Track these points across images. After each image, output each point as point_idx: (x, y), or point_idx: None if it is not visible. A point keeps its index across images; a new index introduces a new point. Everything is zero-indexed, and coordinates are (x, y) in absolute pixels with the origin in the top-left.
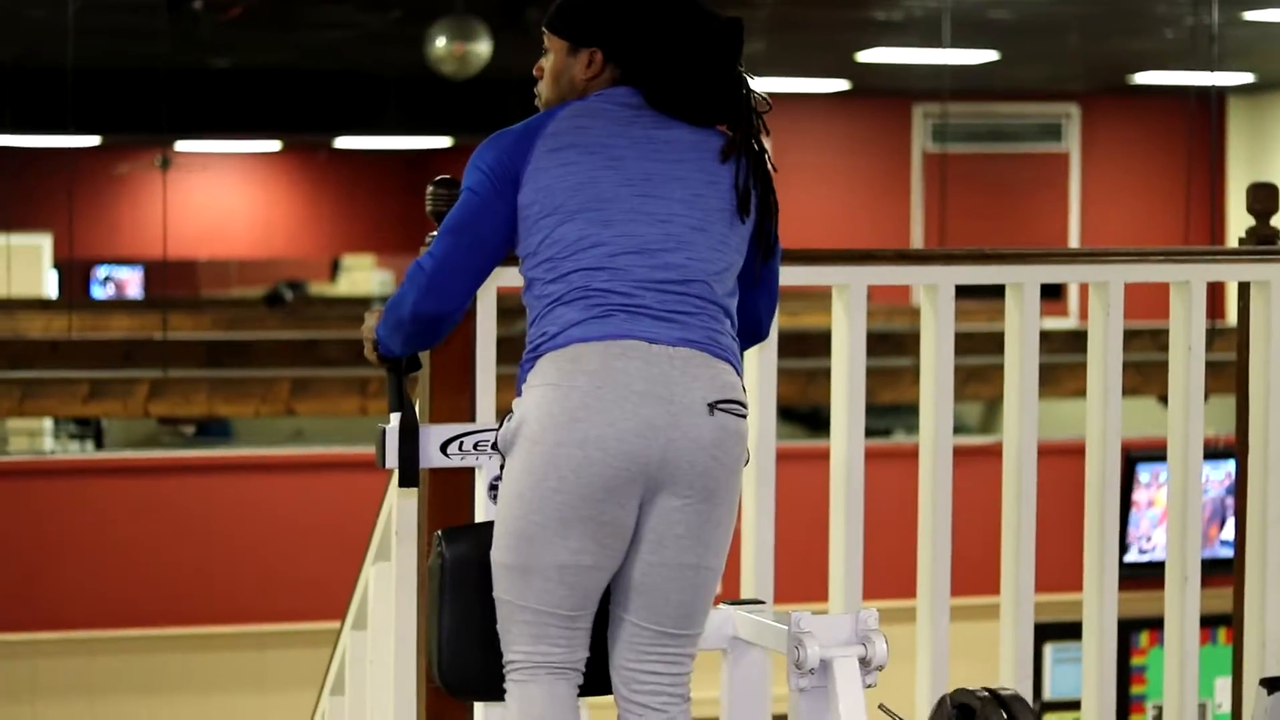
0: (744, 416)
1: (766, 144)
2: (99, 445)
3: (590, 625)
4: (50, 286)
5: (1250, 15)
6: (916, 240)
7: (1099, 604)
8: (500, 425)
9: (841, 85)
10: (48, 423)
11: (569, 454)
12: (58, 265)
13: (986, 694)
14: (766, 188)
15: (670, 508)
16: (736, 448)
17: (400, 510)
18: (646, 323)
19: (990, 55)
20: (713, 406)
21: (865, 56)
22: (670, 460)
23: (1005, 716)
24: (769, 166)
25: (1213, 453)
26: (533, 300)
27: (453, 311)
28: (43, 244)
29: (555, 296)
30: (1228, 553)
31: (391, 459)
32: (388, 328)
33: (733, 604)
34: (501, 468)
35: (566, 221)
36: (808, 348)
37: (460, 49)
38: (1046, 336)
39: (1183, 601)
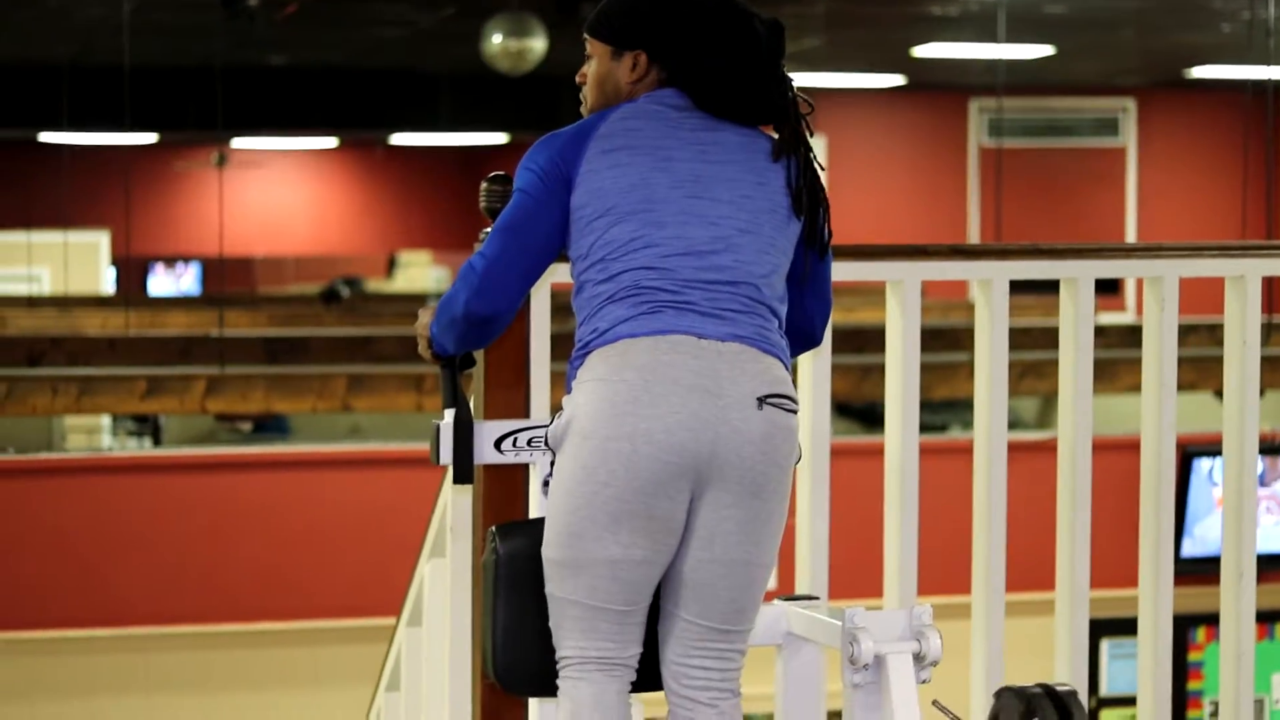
0: (794, 412)
1: (811, 143)
2: (156, 442)
3: (644, 621)
4: (108, 283)
5: None
6: (973, 235)
7: (1154, 599)
8: (551, 422)
9: (897, 80)
10: (106, 420)
11: (618, 448)
12: (115, 262)
13: (1040, 690)
14: (816, 187)
15: (720, 503)
16: (786, 444)
17: (455, 506)
18: (695, 318)
19: (1046, 50)
20: (761, 401)
21: (921, 51)
22: (719, 454)
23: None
24: (817, 166)
25: (1268, 448)
26: (584, 302)
27: (505, 312)
28: (100, 241)
29: (606, 295)
30: None
31: (446, 455)
32: (440, 326)
33: (787, 600)
34: (552, 464)
35: (619, 223)
36: (863, 343)
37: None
38: (1103, 331)
39: (1238, 597)
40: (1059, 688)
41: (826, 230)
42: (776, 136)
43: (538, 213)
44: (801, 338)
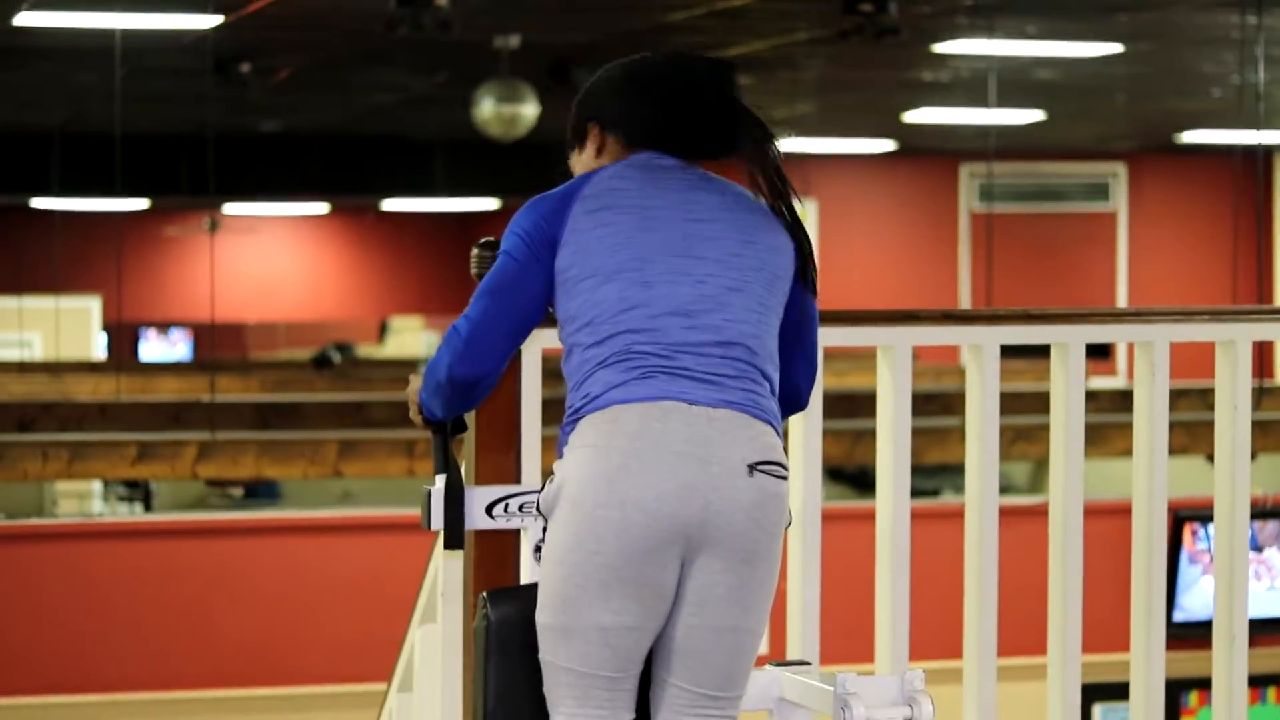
0: (784, 478)
1: (797, 205)
2: (148, 507)
3: (635, 688)
4: (99, 349)
5: None
6: (964, 299)
7: (1146, 664)
8: (543, 487)
9: (888, 145)
10: (97, 485)
11: (608, 515)
12: (107, 328)
13: None
14: (803, 240)
15: (710, 570)
16: (776, 511)
17: (446, 572)
18: (686, 384)
19: (1037, 115)
20: (752, 468)
21: (912, 117)
22: (709, 521)
23: None
24: (802, 219)
25: (1260, 512)
26: (574, 367)
27: (489, 375)
28: (92, 306)
29: (597, 360)
30: None
31: (437, 521)
32: (428, 391)
33: (779, 665)
34: (544, 530)
35: (606, 283)
36: (854, 408)
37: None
38: (1094, 396)
39: (1230, 661)
40: None
41: (813, 282)
42: (763, 200)
43: (522, 275)
44: (788, 401)
